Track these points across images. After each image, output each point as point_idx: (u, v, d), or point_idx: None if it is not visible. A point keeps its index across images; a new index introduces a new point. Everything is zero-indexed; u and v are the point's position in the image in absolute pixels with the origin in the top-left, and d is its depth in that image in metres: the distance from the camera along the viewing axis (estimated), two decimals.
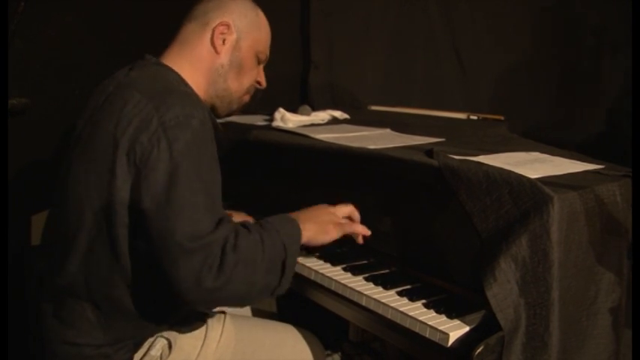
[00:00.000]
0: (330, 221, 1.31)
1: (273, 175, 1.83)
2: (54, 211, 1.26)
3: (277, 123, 1.92)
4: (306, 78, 2.88)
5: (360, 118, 2.15)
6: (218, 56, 1.30)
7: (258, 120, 2.02)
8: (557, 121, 2.88)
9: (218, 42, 1.29)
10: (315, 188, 1.65)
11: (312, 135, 1.69)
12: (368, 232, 1.35)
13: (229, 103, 1.36)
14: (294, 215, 1.26)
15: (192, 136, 1.08)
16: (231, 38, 1.31)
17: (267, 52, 1.41)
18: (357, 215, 1.39)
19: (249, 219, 1.71)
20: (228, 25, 1.30)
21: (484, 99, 2.98)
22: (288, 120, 1.93)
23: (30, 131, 1.94)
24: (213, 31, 1.29)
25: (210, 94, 1.33)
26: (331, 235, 1.29)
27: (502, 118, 2.36)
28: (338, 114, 2.18)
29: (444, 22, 3.00)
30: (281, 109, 1.95)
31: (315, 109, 2.16)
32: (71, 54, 1.99)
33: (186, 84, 1.25)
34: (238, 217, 1.67)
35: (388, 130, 1.86)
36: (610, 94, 2.79)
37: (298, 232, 1.22)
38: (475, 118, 2.38)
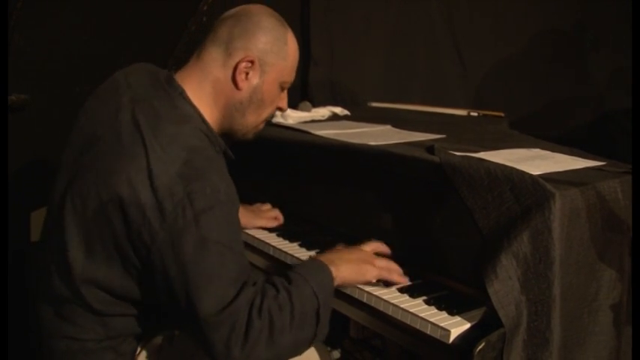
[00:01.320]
0: (366, 261, 1.27)
1: (273, 172, 1.82)
2: (51, 216, 1.23)
3: (277, 119, 1.92)
4: (307, 74, 2.88)
5: (361, 114, 2.15)
6: (238, 92, 1.24)
7: None
8: (557, 118, 2.87)
9: (240, 77, 1.23)
10: (316, 184, 1.65)
11: (313, 131, 1.69)
12: (406, 282, 1.28)
13: (244, 134, 1.33)
14: (325, 258, 1.24)
15: (219, 211, 1.06)
16: (254, 74, 1.24)
17: (292, 78, 1.33)
18: (383, 249, 1.36)
19: (267, 206, 1.72)
20: (252, 61, 1.22)
21: (484, 96, 2.98)
22: (288, 116, 1.92)
23: (29, 128, 1.94)
24: (236, 66, 1.22)
25: (225, 127, 1.28)
26: (369, 276, 1.26)
27: (502, 114, 2.36)
28: (338, 110, 2.18)
29: (444, 18, 2.99)
30: None
31: (315, 105, 2.16)
32: (71, 50, 1.98)
33: (210, 130, 1.20)
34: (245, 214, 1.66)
35: (389, 127, 1.86)
36: (608, 92, 2.78)
37: (330, 278, 1.19)
38: (475, 114, 2.38)
